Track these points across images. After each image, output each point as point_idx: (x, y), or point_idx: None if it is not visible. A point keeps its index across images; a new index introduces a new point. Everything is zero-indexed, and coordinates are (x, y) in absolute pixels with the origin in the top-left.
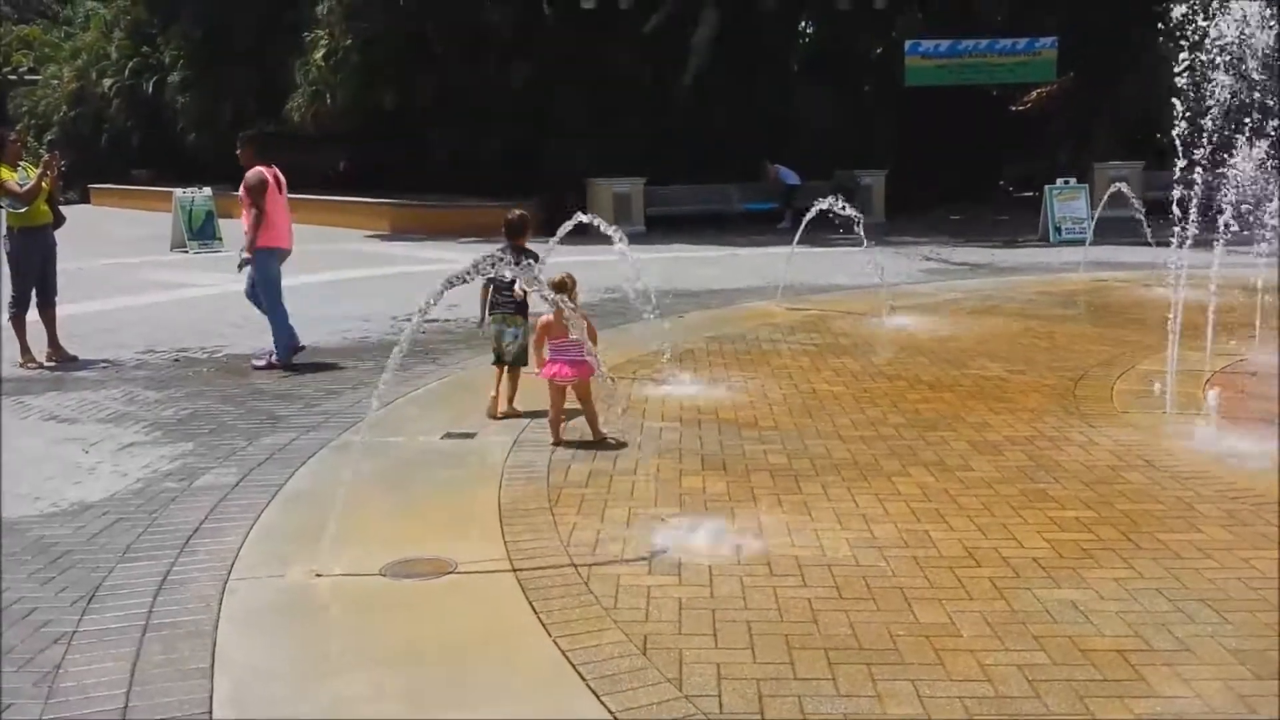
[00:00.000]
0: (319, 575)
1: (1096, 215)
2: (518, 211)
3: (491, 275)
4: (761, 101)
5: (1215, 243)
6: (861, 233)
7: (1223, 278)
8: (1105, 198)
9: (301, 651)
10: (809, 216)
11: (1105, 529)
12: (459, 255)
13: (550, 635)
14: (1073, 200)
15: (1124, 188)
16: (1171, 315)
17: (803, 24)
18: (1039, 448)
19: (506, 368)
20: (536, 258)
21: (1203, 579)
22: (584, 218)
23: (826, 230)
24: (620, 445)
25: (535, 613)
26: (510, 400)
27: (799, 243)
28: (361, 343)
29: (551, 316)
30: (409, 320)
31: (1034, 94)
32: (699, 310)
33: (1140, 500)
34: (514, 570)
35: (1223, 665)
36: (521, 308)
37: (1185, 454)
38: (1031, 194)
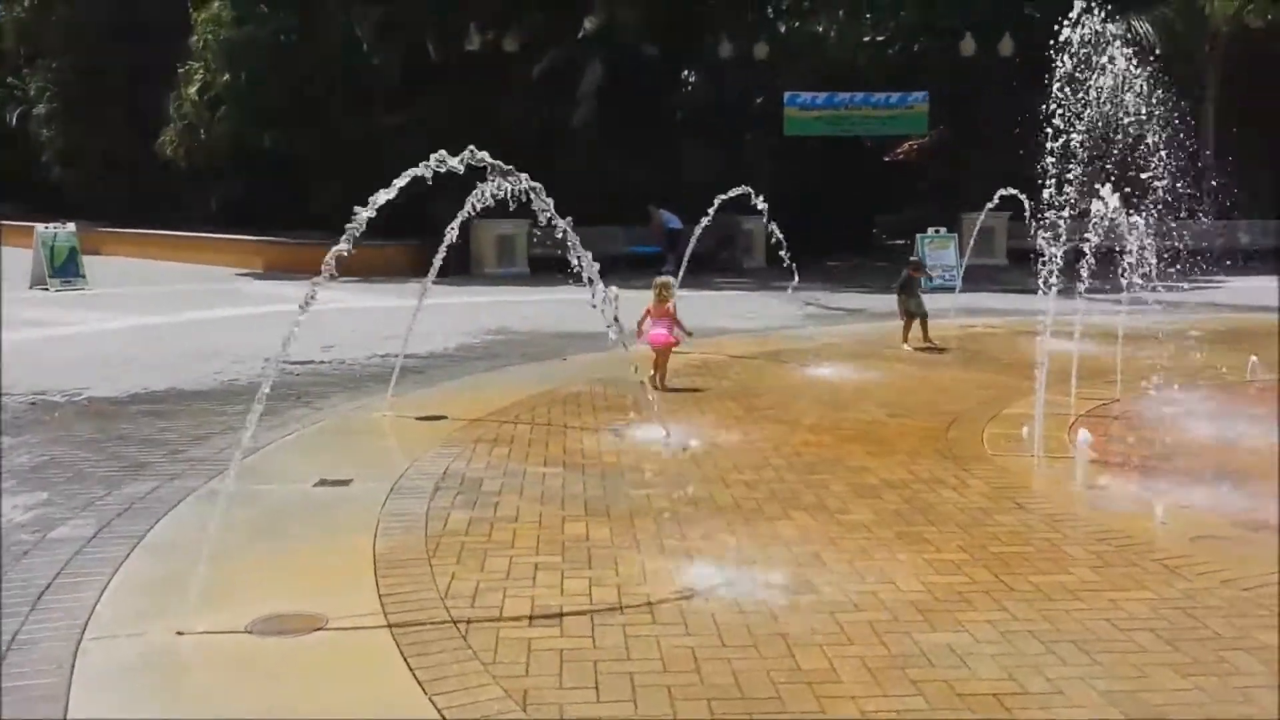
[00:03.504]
0: (180, 633)
1: (965, 263)
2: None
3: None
4: (647, 148)
5: (1077, 291)
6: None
7: (1085, 324)
8: (970, 245)
9: (159, 718)
10: (686, 258)
11: (979, 571)
12: (338, 295)
13: (426, 693)
14: (943, 249)
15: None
16: (1038, 360)
17: (685, 73)
18: (915, 491)
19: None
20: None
21: (1072, 620)
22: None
23: (711, 273)
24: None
25: (411, 670)
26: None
27: (682, 286)
28: (231, 385)
29: (654, 305)
30: (284, 362)
31: (906, 146)
32: (583, 353)
33: (1012, 542)
34: (389, 625)
35: (1093, 707)
36: None
37: (1054, 496)
38: (904, 242)
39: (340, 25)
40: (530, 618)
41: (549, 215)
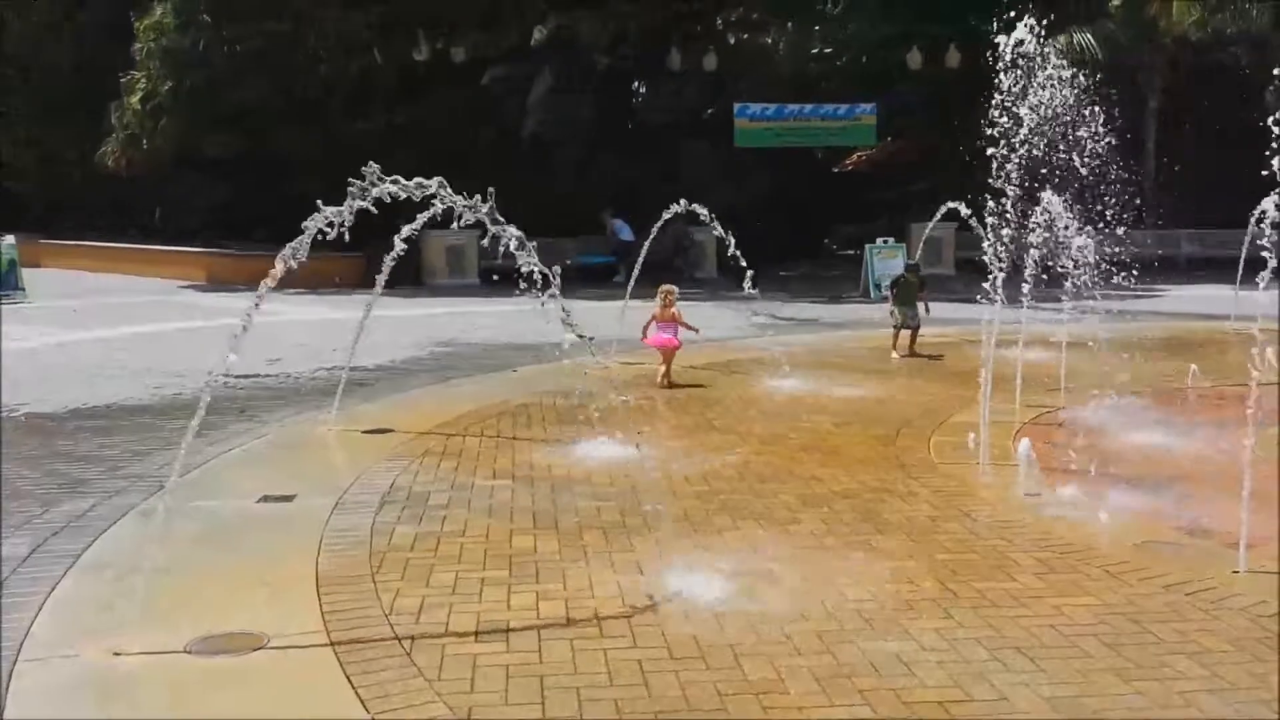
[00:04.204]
0: (117, 654)
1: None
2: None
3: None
4: (599, 158)
5: (1022, 300)
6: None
7: (1030, 333)
8: (919, 255)
9: None
10: (637, 268)
11: (926, 579)
12: (284, 307)
13: (369, 712)
14: (891, 259)
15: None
16: (983, 368)
17: (636, 84)
18: (863, 500)
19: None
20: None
21: (1017, 627)
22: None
23: (662, 283)
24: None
25: (354, 688)
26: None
27: (633, 296)
28: (174, 400)
29: (659, 310)
30: (226, 376)
31: (855, 157)
32: (533, 364)
33: (958, 550)
34: (332, 643)
35: (1038, 714)
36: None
37: (999, 504)
38: (854, 252)
39: (292, 34)
40: (476, 633)
41: (506, 239)
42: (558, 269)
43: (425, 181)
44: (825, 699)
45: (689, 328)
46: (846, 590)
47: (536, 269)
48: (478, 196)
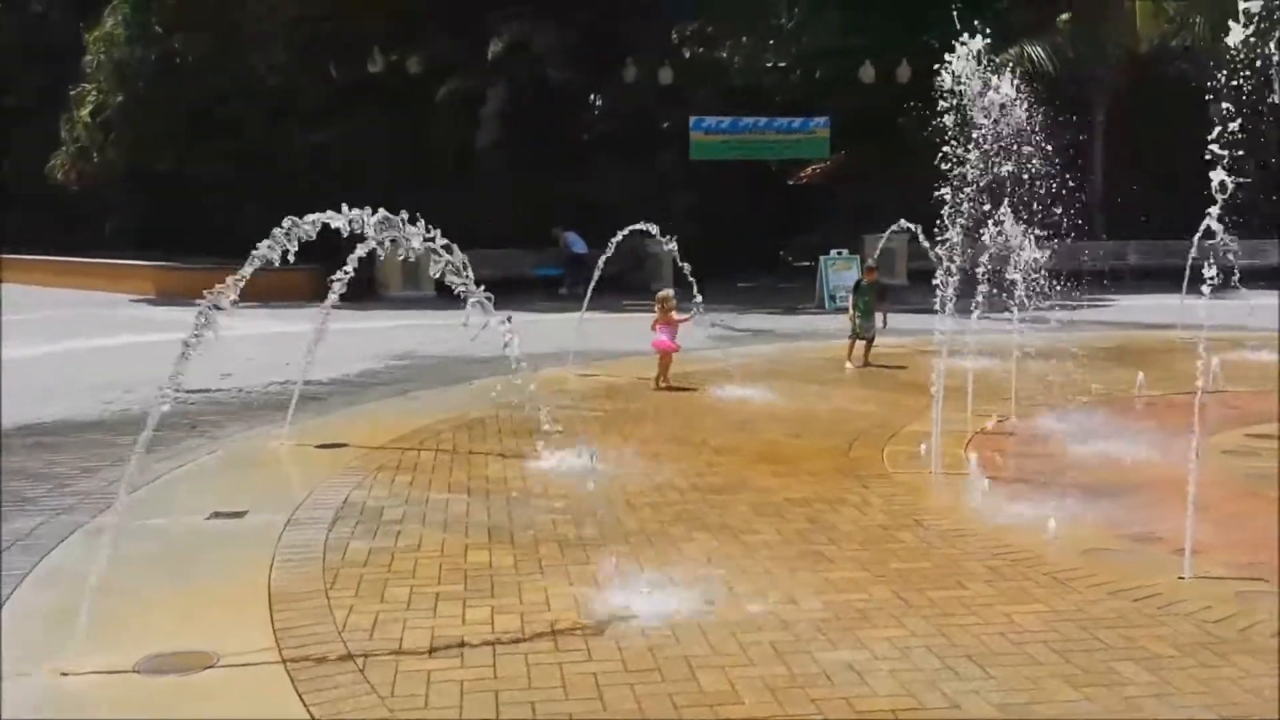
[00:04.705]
0: (65, 674)
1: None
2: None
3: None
4: (554, 171)
5: (973, 311)
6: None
7: (982, 343)
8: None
9: None
10: (593, 282)
11: (879, 588)
12: (236, 320)
13: None
14: (846, 270)
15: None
16: (936, 378)
17: (592, 97)
18: (817, 510)
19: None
20: None
21: (968, 635)
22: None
23: (619, 295)
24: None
25: (305, 706)
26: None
27: (589, 308)
28: (123, 415)
29: (659, 314)
30: (177, 391)
31: (809, 169)
32: (489, 378)
33: (911, 559)
34: (283, 661)
35: None
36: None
37: (951, 512)
38: (809, 264)
39: (245, 45)
40: (430, 649)
41: (439, 266)
42: (488, 295)
43: (359, 214)
44: (779, 708)
45: (684, 319)
46: (800, 600)
47: (472, 296)
48: (421, 223)
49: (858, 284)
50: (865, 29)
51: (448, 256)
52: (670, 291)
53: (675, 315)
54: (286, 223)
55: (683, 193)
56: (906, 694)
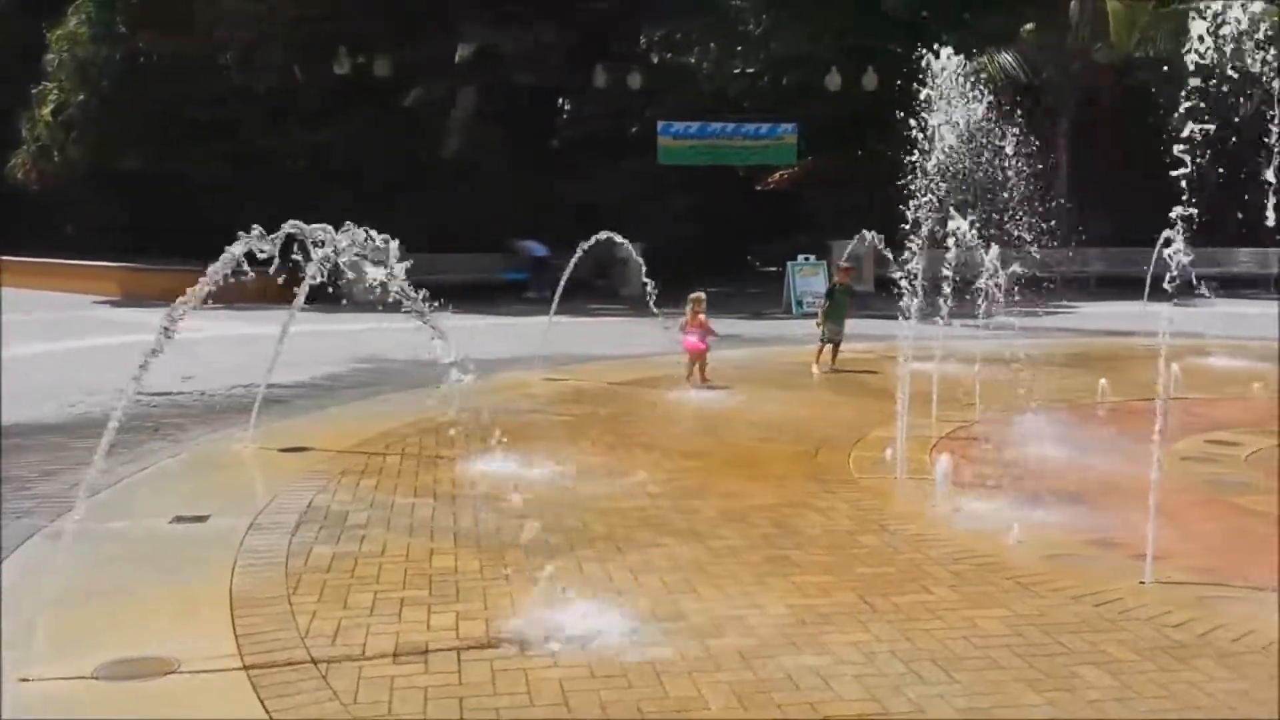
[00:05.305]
0: (25, 680)
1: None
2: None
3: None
4: (523, 175)
5: (938, 317)
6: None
7: (947, 349)
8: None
9: None
10: (560, 286)
11: (843, 593)
12: (200, 322)
13: None
14: (812, 275)
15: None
16: (902, 384)
17: (561, 101)
18: (783, 515)
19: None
20: None
21: (933, 639)
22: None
23: (585, 299)
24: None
25: (267, 713)
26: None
27: (557, 312)
28: (85, 417)
29: (690, 316)
30: (140, 393)
31: (777, 175)
32: (455, 381)
33: (875, 564)
34: (245, 667)
35: None
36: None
37: (915, 517)
38: (777, 269)
39: (212, 46)
40: (394, 655)
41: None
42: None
43: (319, 231)
44: (745, 714)
45: (711, 333)
46: (766, 605)
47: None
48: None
49: (831, 288)
50: (832, 37)
51: (375, 273)
52: (702, 294)
53: (704, 321)
54: (238, 246)
55: (650, 197)
56: (871, 699)
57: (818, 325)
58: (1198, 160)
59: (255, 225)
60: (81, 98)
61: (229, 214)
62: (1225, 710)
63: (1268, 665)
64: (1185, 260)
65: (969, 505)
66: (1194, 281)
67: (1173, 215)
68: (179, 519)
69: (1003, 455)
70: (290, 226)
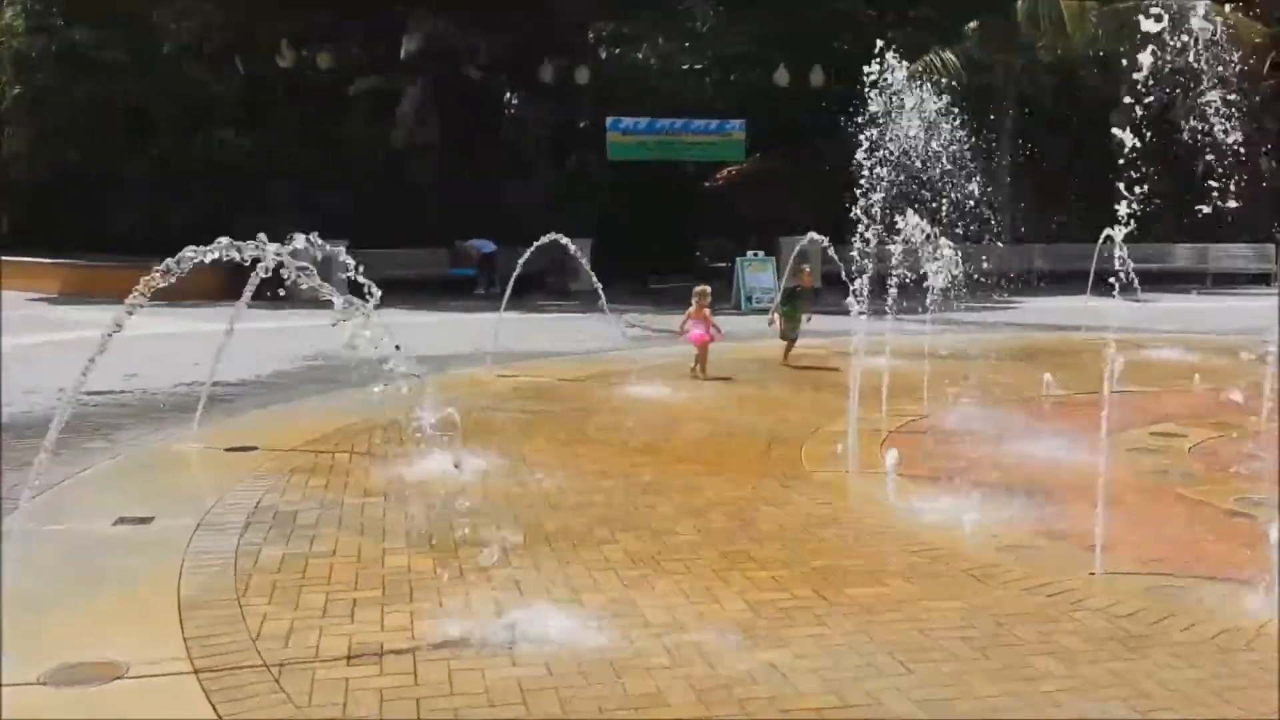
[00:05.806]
0: None
1: (782, 285)
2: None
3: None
4: (471, 170)
5: (885, 313)
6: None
7: (895, 345)
8: (788, 268)
9: None
10: (510, 284)
11: (800, 587)
12: (143, 320)
13: None
14: (761, 271)
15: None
16: (852, 378)
17: (508, 95)
18: (739, 509)
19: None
20: None
21: (889, 631)
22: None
23: (536, 296)
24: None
25: (219, 716)
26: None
27: (507, 309)
28: (24, 418)
29: (694, 309)
30: (81, 392)
31: (725, 171)
32: (404, 378)
33: (831, 557)
34: (195, 671)
35: (910, 717)
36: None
37: (868, 510)
38: (726, 264)
39: (154, 39)
40: (348, 656)
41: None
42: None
43: (258, 246)
44: (705, 710)
45: (716, 328)
46: (724, 601)
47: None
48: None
49: (793, 290)
50: (780, 35)
51: (314, 283)
52: (706, 287)
53: (707, 311)
54: (189, 251)
55: (600, 193)
56: (830, 692)
57: (770, 324)
58: (1136, 159)
59: (223, 236)
60: (17, 90)
61: (169, 209)
62: (1176, 698)
63: (1218, 654)
64: (1124, 257)
65: (922, 498)
66: (1129, 276)
67: (1118, 209)
68: (122, 520)
69: (953, 448)
70: (227, 245)
